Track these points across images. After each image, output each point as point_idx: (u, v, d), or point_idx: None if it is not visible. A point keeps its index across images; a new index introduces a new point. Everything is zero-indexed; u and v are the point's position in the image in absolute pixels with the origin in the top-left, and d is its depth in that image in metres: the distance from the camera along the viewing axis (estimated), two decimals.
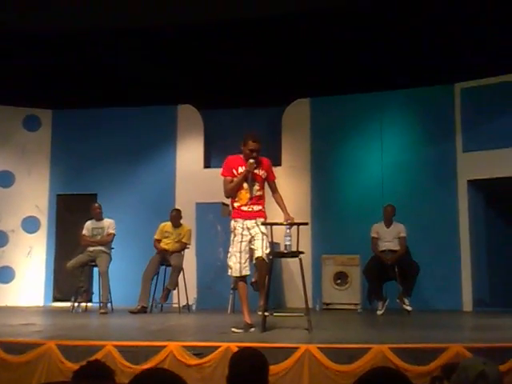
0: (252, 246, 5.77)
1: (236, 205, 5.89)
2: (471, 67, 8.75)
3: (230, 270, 5.83)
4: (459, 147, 9.11)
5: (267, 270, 5.71)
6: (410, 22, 8.73)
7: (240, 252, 5.76)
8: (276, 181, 6.11)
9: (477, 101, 8.99)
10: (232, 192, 5.90)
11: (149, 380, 1.72)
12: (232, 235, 5.87)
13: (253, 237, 5.77)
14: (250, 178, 5.82)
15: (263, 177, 5.93)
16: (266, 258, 5.69)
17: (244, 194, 5.85)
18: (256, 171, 5.87)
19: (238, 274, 5.78)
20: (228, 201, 6.33)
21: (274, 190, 6.06)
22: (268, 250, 5.73)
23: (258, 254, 5.69)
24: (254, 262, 5.80)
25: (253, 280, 6.03)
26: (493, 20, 8.36)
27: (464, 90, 9.19)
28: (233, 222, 5.88)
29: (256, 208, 5.84)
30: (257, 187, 5.87)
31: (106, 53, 9.50)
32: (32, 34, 9.06)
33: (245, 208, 5.84)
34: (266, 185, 6.03)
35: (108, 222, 8.71)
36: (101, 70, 9.80)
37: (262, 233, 5.76)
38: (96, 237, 8.66)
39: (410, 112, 9.57)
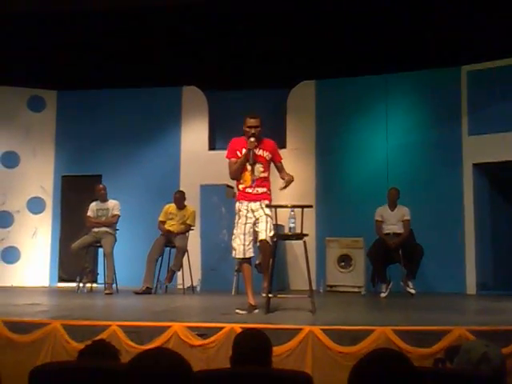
0: (256, 229, 5.78)
1: (241, 187, 5.89)
2: (478, 50, 8.67)
3: (233, 252, 5.85)
4: (465, 130, 9.06)
5: (271, 253, 5.73)
6: (416, 3, 8.65)
7: (244, 234, 5.77)
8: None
9: (483, 84, 8.92)
10: (236, 173, 5.90)
11: (151, 360, 1.73)
12: (236, 217, 5.88)
13: (257, 219, 5.78)
14: (251, 157, 5.81)
15: (267, 158, 5.91)
16: (269, 241, 5.71)
17: (248, 176, 5.85)
18: (259, 153, 5.86)
19: (241, 256, 5.79)
20: (233, 183, 6.33)
21: (281, 170, 6.03)
22: (272, 233, 5.74)
23: (261, 236, 5.70)
24: (258, 244, 5.81)
25: (257, 262, 6.05)
26: (500, 1, 8.26)
27: (470, 73, 9.11)
28: (237, 204, 5.89)
29: (261, 190, 5.85)
30: (261, 169, 5.85)
31: (111, 34, 9.44)
32: (37, 13, 9.00)
33: (249, 190, 5.84)
34: (272, 168, 6.03)
35: (113, 204, 8.73)
36: (106, 50, 9.75)
37: (267, 215, 5.77)
38: (101, 218, 8.68)
39: (416, 95, 9.51)
